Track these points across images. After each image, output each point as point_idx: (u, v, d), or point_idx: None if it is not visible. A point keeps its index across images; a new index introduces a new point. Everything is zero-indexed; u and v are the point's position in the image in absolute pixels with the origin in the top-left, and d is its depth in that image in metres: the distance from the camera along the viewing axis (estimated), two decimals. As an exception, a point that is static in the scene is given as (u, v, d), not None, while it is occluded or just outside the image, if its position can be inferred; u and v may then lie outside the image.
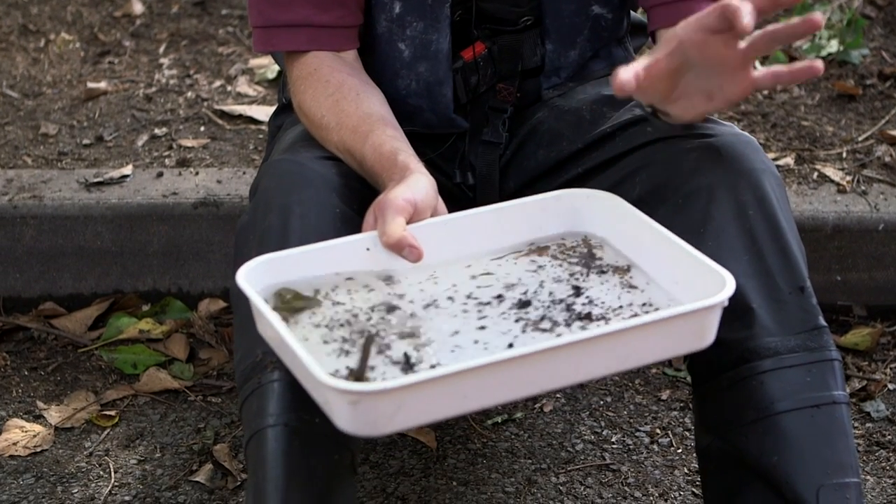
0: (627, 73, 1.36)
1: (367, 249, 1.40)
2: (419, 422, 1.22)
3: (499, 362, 1.20)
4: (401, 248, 1.37)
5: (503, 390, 1.23)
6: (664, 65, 1.39)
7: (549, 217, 1.49)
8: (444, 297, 1.39)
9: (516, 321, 1.35)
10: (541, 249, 1.47)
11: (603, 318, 1.35)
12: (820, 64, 1.36)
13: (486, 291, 1.40)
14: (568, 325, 1.34)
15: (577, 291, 1.40)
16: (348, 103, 1.58)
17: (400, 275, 1.41)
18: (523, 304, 1.38)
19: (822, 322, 1.48)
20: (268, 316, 1.28)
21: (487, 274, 1.43)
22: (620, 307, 1.37)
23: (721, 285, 1.30)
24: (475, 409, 1.23)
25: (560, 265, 1.45)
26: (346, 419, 1.19)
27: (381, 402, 1.17)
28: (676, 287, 1.38)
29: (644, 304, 1.37)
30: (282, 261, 1.37)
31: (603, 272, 1.43)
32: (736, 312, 1.42)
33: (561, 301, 1.38)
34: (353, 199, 1.52)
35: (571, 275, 1.43)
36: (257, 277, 1.34)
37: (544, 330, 1.33)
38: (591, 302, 1.38)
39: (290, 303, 1.36)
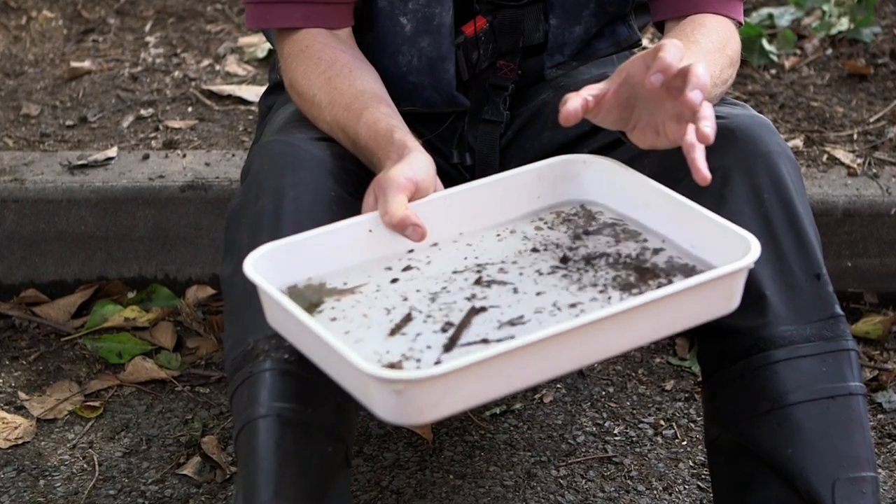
0: (575, 103, 1.37)
1: (370, 231, 1.39)
2: (464, 406, 1.22)
3: (541, 340, 1.21)
4: (404, 227, 1.36)
5: (547, 367, 1.24)
6: (612, 96, 1.40)
7: (549, 185, 1.48)
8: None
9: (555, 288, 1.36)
10: (543, 218, 1.48)
11: (632, 284, 1.36)
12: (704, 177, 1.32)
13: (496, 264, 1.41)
14: (605, 293, 1.35)
15: (593, 258, 1.41)
16: (341, 80, 1.58)
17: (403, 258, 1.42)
18: (556, 268, 1.39)
19: (839, 311, 1.48)
20: (290, 308, 1.27)
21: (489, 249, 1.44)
22: (636, 271, 1.37)
23: (745, 246, 1.31)
24: (521, 389, 1.24)
25: (565, 233, 1.45)
26: (389, 409, 1.19)
27: (427, 389, 1.17)
28: (694, 249, 1.39)
29: (664, 268, 1.37)
30: (286, 248, 1.36)
31: (609, 236, 1.44)
32: (749, 299, 1.42)
33: (586, 268, 1.39)
34: (348, 181, 1.51)
35: (578, 243, 1.44)
36: (264, 266, 1.33)
37: (571, 304, 1.33)
38: (612, 264, 1.39)
39: (306, 294, 1.36)
